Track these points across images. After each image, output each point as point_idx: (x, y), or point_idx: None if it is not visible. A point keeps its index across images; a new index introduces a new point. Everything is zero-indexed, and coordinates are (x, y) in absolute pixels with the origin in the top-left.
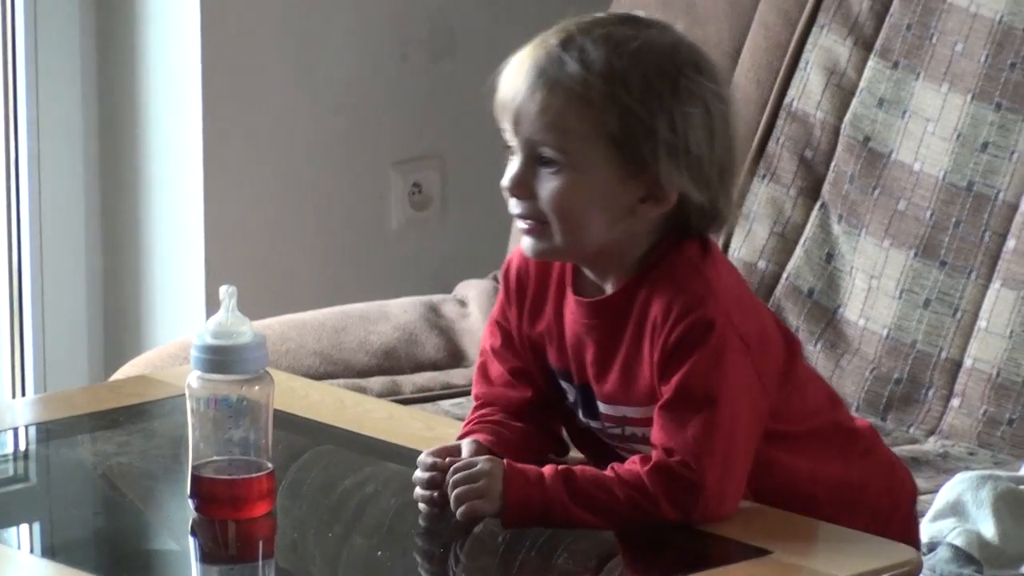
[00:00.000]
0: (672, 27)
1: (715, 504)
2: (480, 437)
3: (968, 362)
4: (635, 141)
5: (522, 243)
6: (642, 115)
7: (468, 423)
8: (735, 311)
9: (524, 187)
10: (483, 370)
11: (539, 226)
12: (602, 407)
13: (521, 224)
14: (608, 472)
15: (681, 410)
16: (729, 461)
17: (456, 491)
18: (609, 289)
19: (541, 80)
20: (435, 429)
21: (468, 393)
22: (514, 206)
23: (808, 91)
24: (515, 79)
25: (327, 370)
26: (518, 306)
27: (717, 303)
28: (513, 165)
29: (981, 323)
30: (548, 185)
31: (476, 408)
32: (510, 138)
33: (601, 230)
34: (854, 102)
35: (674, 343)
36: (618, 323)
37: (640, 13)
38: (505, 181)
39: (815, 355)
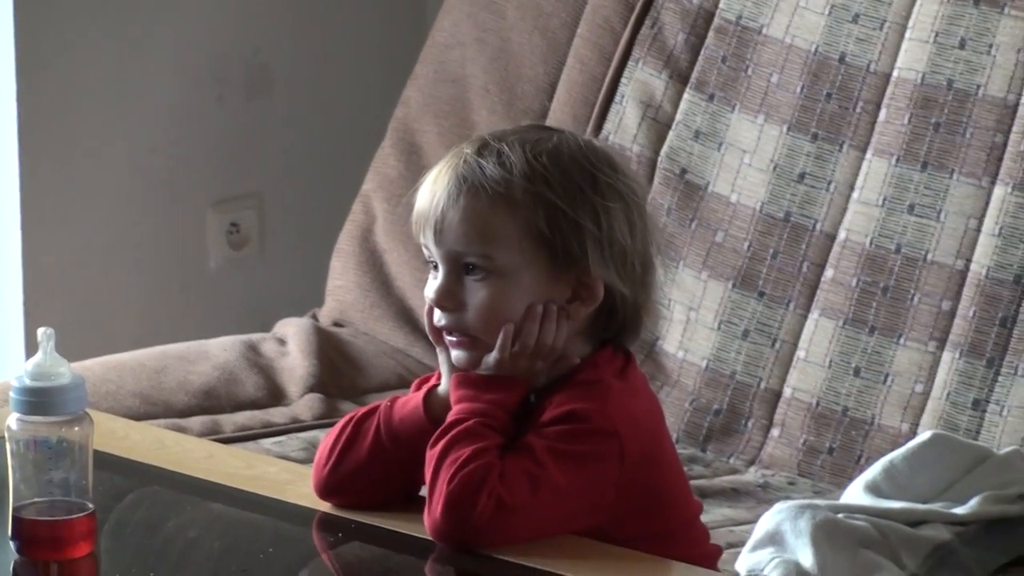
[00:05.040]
0: (578, 133)
1: (486, 531)
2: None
3: (787, 392)
4: (563, 236)
5: (453, 355)
6: (567, 210)
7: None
8: (627, 428)
9: (452, 298)
10: None
11: (469, 339)
12: None
13: (449, 337)
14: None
15: (530, 452)
16: (531, 517)
17: None
18: (531, 399)
19: (463, 188)
20: (255, 467)
21: (288, 431)
22: (439, 318)
23: (624, 125)
24: (435, 190)
25: (147, 411)
26: None
27: (608, 412)
28: (437, 278)
29: (800, 353)
30: (477, 296)
31: None
32: (432, 251)
33: None
34: (670, 135)
35: (547, 421)
36: (522, 428)
37: (546, 123)
38: (430, 293)
39: None
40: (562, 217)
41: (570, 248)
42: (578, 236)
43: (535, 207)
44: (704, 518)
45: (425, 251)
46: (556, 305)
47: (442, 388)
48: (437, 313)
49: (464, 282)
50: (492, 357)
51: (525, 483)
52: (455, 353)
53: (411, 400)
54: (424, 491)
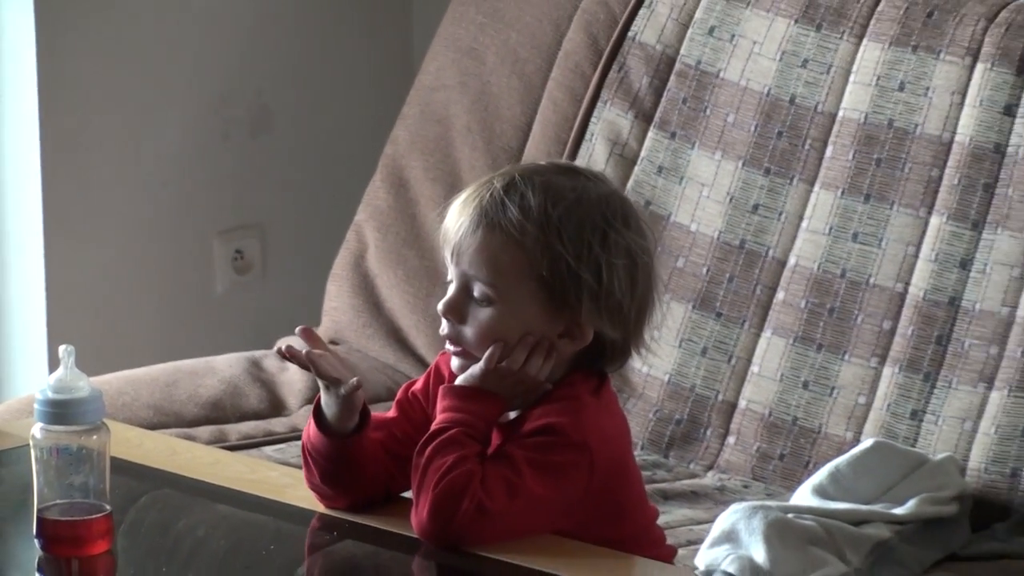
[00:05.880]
0: (606, 179)
1: (467, 533)
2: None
3: (742, 403)
4: (562, 284)
5: (452, 362)
6: (571, 262)
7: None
8: (598, 441)
9: (456, 312)
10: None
11: (464, 351)
12: None
13: (449, 347)
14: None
15: (507, 459)
16: (508, 520)
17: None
18: (511, 415)
19: (483, 221)
20: (258, 472)
21: (288, 439)
22: (444, 328)
23: (594, 160)
24: (460, 216)
25: (160, 421)
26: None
27: (582, 427)
28: (449, 291)
29: (754, 368)
30: (477, 316)
31: None
32: (448, 265)
33: None
34: (636, 170)
35: (525, 433)
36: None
37: (579, 164)
38: (440, 305)
39: None
40: (565, 268)
41: (567, 295)
42: (576, 287)
43: (542, 255)
44: (666, 518)
45: (446, 263)
46: (548, 340)
47: (322, 402)
48: (444, 323)
49: (470, 300)
50: (478, 368)
51: (503, 489)
52: (454, 360)
53: (308, 417)
54: (409, 493)
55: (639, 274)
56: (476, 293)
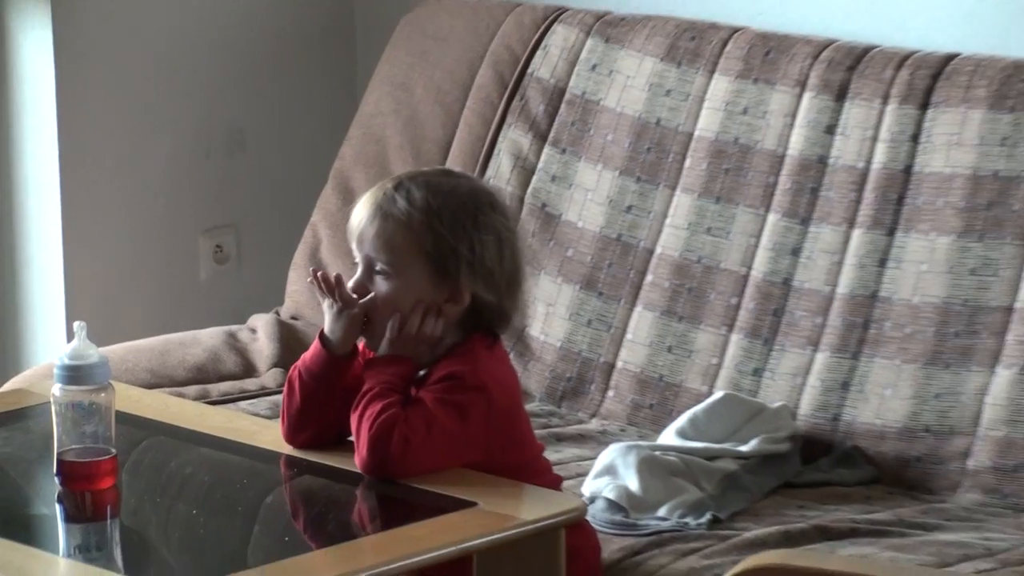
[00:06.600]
0: (476, 178)
1: (399, 462)
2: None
3: (620, 364)
4: (443, 257)
5: (363, 342)
6: (449, 239)
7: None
8: (493, 384)
9: (362, 289)
10: None
11: (370, 327)
12: None
13: None
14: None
15: (424, 400)
16: (430, 450)
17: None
18: (422, 373)
19: (379, 212)
20: (233, 422)
21: (258, 396)
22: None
23: (501, 172)
24: (360, 211)
25: (155, 382)
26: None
27: (478, 373)
28: (357, 272)
29: (628, 336)
30: (379, 289)
31: None
32: (356, 254)
33: None
34: (534, 179)
35: (433, 381)
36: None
37: (456, 168)
38: (350, 283)
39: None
40: (444, 244)
41: (448, 266)
42: (455, 259)
43: (426, 234)
44: (557, 456)
45: (353, 252)
46: (436, 304)
47: (326, 329)
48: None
49: (374, 279)
50: (385, 339)
51: (423, 425)
52: (365, 339)
53: (312, 345)
54: (353, 438)
55: (505, 248)
56: (376, 271)
